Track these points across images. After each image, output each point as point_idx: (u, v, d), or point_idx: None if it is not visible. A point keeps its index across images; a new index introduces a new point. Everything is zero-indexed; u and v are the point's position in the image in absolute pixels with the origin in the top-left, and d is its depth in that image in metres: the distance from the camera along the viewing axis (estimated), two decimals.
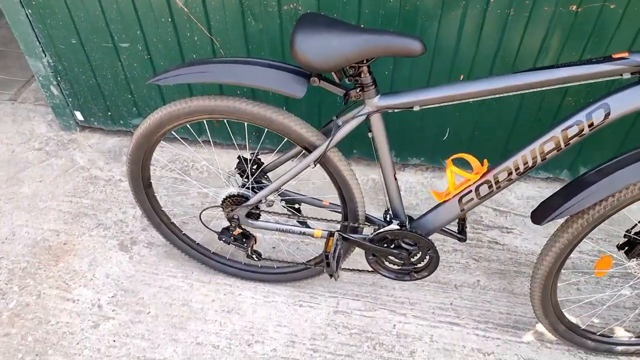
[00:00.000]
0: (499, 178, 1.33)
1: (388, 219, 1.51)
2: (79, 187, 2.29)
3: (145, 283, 1.90)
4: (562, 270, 1.42)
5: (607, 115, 1.16)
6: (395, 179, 1.44)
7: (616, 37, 1.69)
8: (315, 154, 1.37)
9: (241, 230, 1.65)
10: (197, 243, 1.87)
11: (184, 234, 1.86)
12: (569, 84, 1.15)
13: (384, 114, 1.30)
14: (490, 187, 1.35)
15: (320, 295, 1.84)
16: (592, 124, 1.18)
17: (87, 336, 1.73)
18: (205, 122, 1.47)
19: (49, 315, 1.79)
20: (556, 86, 1.15)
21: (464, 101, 1.22)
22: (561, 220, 1.32)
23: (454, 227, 1.54)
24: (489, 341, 1.69)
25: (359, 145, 2.24)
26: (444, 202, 1.44)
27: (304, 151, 1.44)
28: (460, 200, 1.41)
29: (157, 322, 1.76)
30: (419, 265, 1.55)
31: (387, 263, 1.58)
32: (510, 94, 1.18)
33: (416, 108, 1.27)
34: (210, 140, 2.40)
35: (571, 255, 1.40)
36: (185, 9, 1.91)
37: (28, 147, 2.50)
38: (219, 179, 2.29)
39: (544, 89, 1.16)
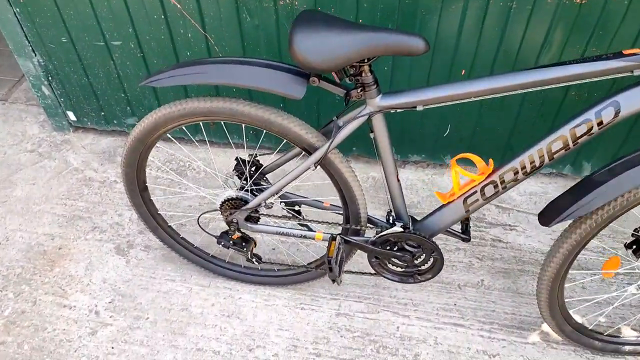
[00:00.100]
0: (505, 178, 1.29)
1: (391, 220, 1.48)
2: (73, 190, 2.25)
3: (143, 287, 1.86)
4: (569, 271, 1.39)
5: (617, 113, 1.12)
6: (398, 180, 1.40)
7: (621, 30, 1.65)
8: (316, 155, 1.33)
9: (240, 234, 1.61)
10: (196, 246, 1.83)
11: (182, 237, 1.82)
12: (579, 81, 1.10)
13: (386, 114, 1.26)
14: (495, 187, 1.31)
15: (321, 297, 1.80)
16: (601, 123, 1.14)
17: (85, 343, 1.69)
18: (201, 123, 1.42)
19: (45, 323, 1.75)
20: (566, 83, 1.11)
21: (470, 100, 1.18)
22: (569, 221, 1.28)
23: (457, 226, 1.50)
24: (494, 342, 1.66)
25: (358, 143, 2.20)
26: (449, 203, 1.40)
27: (303, 152, 1.40)
28: (465, 201, 1.37)
29: (156, 328, 1.73)
30: (423, 267, 1.52)
31: (390, 265, 1.55)
32: (519, 92, 1.14)
33: (419, 108, 1.23)
34: (207, 139, 2.35)
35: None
36: (178, 5, 1.85)
37: (20, 149, 2.45)
38: (216, 180, 2.24)
39: (553, 86, 1.12)
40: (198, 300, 1.81)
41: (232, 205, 1.54)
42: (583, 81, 1.10)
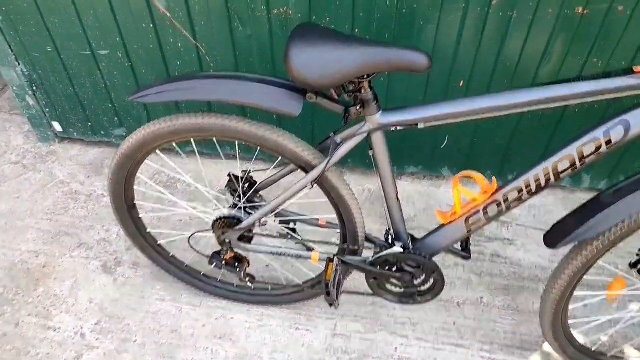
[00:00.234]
0: (509, 198, 1.24)
1: (389, 240, 1.42)
2: (59, 204, 2.17)
3: (131, 308, 1.78)
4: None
5: (626, 132, 1.07)
6: (398, 199, 1.35)
7: (623, 41, 1.62)
8: (313, 174, 1.27)
9: (233, 254, 1.54)
10: (187, 265, 1.76)
11: (172, 255, 1.75)
12: (588, 100, 1.06)
13: (386, 131, 1.20)
14: (499, 207, 1.26)
15: (317, 317, 1.74)
16: (610, 142, 1.09)
17: None
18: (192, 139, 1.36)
19: (28, 346, 1.67)
20: (575, 102, 1.07)
21: (476, 118, 1.13)
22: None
23: (457, 244, 1.45)
24: None
25: (353, 154, 2.11)
26: (450, 222, 1.35)
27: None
28: (467, 220, 1.32)
29: (145, 351, 1.66)
30: (423, 288, 1.47)
31: (389, 286, 1.49)
32: (529, 109, 1.09)
33: (421, 125, 1.17)
34: (196, 151, 2.28)
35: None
36: (168, 14, 1.79)
37: (4, 160, 2.37)
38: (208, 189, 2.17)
39: (562, 104, 1.07)
40: (189, 321, 1.75)
41: (224, 224, 1.48)
42: (592, 99, 1.06)
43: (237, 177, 1.49)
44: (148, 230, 1.67)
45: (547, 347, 1.64)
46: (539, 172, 1.18)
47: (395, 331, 1.70)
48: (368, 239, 1.49)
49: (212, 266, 1.53)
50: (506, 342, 1.66)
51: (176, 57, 1.92)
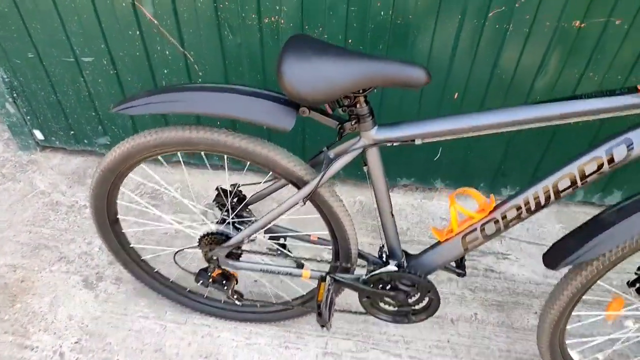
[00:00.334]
0: (507, 216, 1.20)
1: (383, 257, 1.38)
2: (39, 215, 2.09)
3: (113, 326, 1.71)
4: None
5: (629, 151, 1.04)
6: (392, 215, 1.30)
7: (620, 55, 1.60)
8: (305, 190, 1.22)
9: (221, 271, 1.48)
10: (172, 281, 1.70)
11: (156, 271, 1.68)
12: (592, 117, 1.03)
13: (382, 146, 1.16)
14: (497, 225, 1.22)
15: (307, 334, 1.69)
16: (612, 160, 1.06)
17: None
18: (179, 153, 1.31)
19: None
20: (578, 119, 1.03)
21: (476, 135, 1.09)
22: None
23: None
24: None
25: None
26: (446, 240, 1.30)
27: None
28: (463, 238, 1.28)
29: None
30: (417, 307, 1.42)
31: (382, 304, 1.44)
32: (529, 127, 1.06)
33: (418, 142, 1.13)
34: (182, 162, 2.22)
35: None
36: (155, 21, 1.73)
37: None
38: (196, 202, 2.11)
39: (565, 121, 1.04)
40: (173, 339, 1.68)
41: (212, 240, 1.42)
42: (595, 117, 1.02)
43: (225, 191, 1.44)
44: (131, 245, 1.61)
45: None
46: (539, 190, 1.15)
47: (388, 349, 1.65)
48: (361, 255, 1.44)
49: (199, 284, 1.47)
50: None
51: (163, 65, 1.86)
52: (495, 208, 1.22)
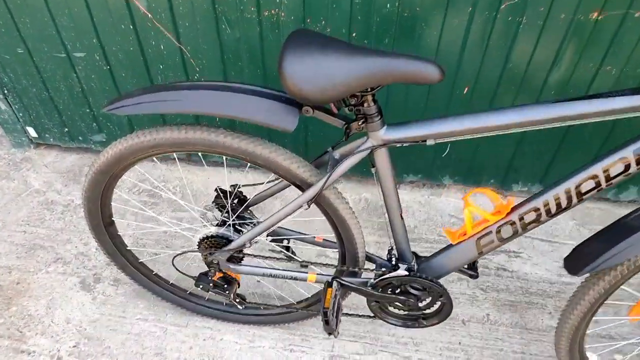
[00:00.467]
0: (525, 219, 1.13)
1: (392, 260, 1.31)
2: (34, 214, 2.02)
3: (112, 329, 1.66)
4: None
5: None
6: (402, 217, 1.24)
7: (638, 48, 1.51)
8: (310, 193, 1.16)
9: (222, 274, 1.42)
10: (171, 283, 1.64)
11: (155, 274, 1.62)
12: (616, 117, 0.95)
13: (391, 147, 1.09)
14: (514, 228, 1.16)
15: (313, 337, 1.63)
16: None
17: None
18: (175, 154, 1.24)
19: None
20: (602, 119, 0.96)
21: (490, 134, 1.02)
22: None
23: None
24: None
25: None
26: (459, 243, 1.24)
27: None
28: (478, 241, 1.21)
29: None
30: (429, 311, 1.36)
31: (391, 308, 1.38)
32: (549, 126, 0.98)
33: (430, 142, 1.06)
34: (178, 162, 2.15)
35: None
36: (149, 15, 1.65)
37: None
38: (196, 201, 2.05)
39: (587, 121, 0.96)
40: (174, 342, 1.62)
41: (212, 243, 1.36)
42: (621, 117, 0.95)
43: (225, 192, 1.37)
44: (128, 247, 1.54)
45: None
46: (560, 192, 1.08)
47: (397, 352, 1.59)
48: (369, 258, 1.38)
49: (199, 288, 1.40)
50: None
51: (158, 61, 1.79)
52: (513, 210, 1.15)
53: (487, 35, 1.54)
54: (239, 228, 1.38)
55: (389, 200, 1.19)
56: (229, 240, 1.34)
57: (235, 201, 1.39)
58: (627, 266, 1.09)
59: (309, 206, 1.18)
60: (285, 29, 1.61)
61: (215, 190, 1.39)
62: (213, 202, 1.41)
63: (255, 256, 1.37)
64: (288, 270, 1.37)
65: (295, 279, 1.37)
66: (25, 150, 2.29)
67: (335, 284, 1.27)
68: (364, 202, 2.06)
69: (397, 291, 1.32)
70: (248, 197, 1.40)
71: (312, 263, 1.36)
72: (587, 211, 1.98)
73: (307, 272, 1.35)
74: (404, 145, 1.08)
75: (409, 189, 2.10)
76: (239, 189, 1.39)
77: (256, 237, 1.29)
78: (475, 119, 1.01)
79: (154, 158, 1.24)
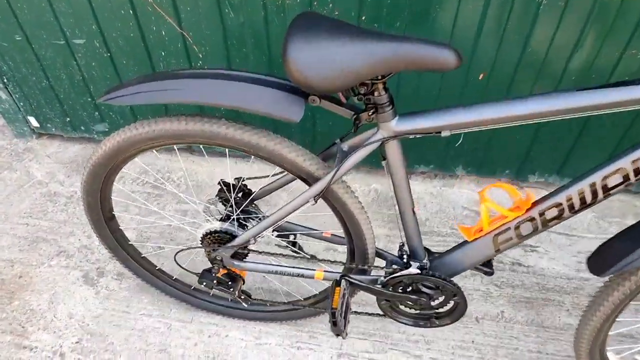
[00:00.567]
0: (546, 215, 1.06)
1: (404, 257, 1.25)
2: (37, 206, 1.98)
3: (115, 324, 1.62)
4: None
5: None
6: (414, 213, 1.17)
7: None
8: (317, 187, 1.09)
9: (226, 271, 1.37)
10: (175, 278, 1.59)
11: (158, 269, 1.58)
12: None
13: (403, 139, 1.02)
14: (534, 224, 1.08)
15: (321, 334, 1.58)
16: None
17: None
18: (175, 147, 1.19)
19: None
20: (633, 107, 0.88)
21: (510, 125, 0.94)
22: None
23: None
24: None
25: None
26: (475, 239, 1.17)
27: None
28: (495, 238, 1.14)
29: None
30: (441, 310, 1.30)
31: (402, 307, 1.32)
32: (575, 116, 0.91)
33: (445, 133, 0.99)
34: (177, 151, 2.10)
35: None
36: None
37: None
38: (200, 192, 2.00)
39: (617, 110, 0.89)
40: (179, 339, 1.58)
41: (215, 239, 1.30)
42: None
43: (228, 185, 1.31)
44: (130, 242, 1.49)
45: None
46: (585, 186, 1.00)
47: (408, 350, 1.54)
48: (379, 254, 1.32)
49: (203, 285, 1.35)
50: None
51: (160, 47, 1.72)
52: (533, 205, 1.08)
53: (505, 17, 1.46)
54: (244, 223, 1.32)
55: (401, 195, 1.13)
56: (233, 236, 1.29)
57: (240, 195, 1.33)
58: None
59: (316, 201, 1.11)
60: (291, 13, 1.54)
61: (219, 183, 1.33)
62: (216, 195, 1.36)
63: (260, 253, 1.31)
64: (294, 268, 1.31)
65: (302, 276, 1.31)
66: (27, 140, 2.24)
67: (343, 282, 1.21)
68: (374, 193, 1.99)
69: (408, 290, 1.26)
70: (253, 191, 1.34)
71: (319, 260, 1.30)
72: (607, 203, 1.90)
73: (314, 270, 1.29)
74: (417, 136, 1.01)
75: (420, 179, 2.03)
76: (243, 182, 1.33)
77: (261, 233, 1.23)
78: (495, 108, 0.93)
79: (154, 150, 1.18)
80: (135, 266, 1.54)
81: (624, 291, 1.08)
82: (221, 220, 1.31)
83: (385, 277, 1.25)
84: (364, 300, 1.63)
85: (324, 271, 1.29)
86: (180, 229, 1.87)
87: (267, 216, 1.21)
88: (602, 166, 0.98)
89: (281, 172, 1.24)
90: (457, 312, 1.28)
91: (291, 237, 1.39)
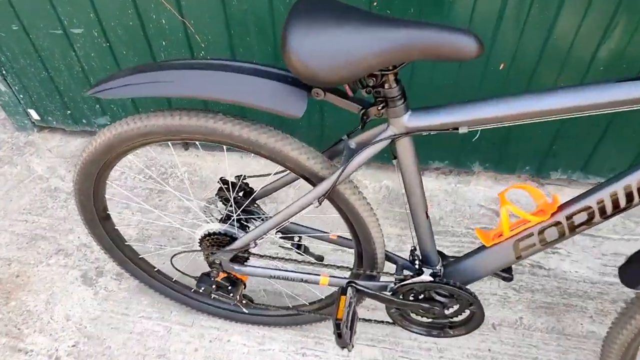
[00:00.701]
0: (574, 220, 0.96)
1: (417, 263, 1.15)
2: (36, 202, 1.92)
3: (114, 327, 1.55)
4: None
5: None
6: (427, 216, 1.07)
7: None
8: (321, 188, 1.01)
9: (226, 274, 1.29)
10: (175, 280, 1.52)
11: (157, 270, 1.50)
12: None
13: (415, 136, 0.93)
14: (561, 230, 0.98)
15: (327, 340, 1.50)
16: None
17: None
18: (170, 143, 1.11)
19: None
20: None
21: (538, 120, 0.84)
22: None
23: None
24: None
25: None
26: (494, 245, 1.07)
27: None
28: (516, 244, 1.04)
29: None
30: (456, 319, 1.21)
31: (414, 316, 1.23)
32: (614, 110, 0.81)
33: (463, 130, 0.89)
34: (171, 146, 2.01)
35: None
36: None
37: None
38: (205, 189, 1.92)
39: None
40: (179, 343, 1.51)
41: (214, 241, 1.22)
42: None
43: (228, 184, 1.23)
44: (127, 242, 1.42)
45: None
46: (619, 189, 0.90)
47: (419, 358, 1.45)
48: (388, 257, 1.23)
49: (201, 290, 1.27)
50: None
51: (160, 36, 1.64)
52: (559, 209, 0.98)
53: (528, 4, 1.35)
54: (245, 224, 1.24)
55: (413, 197, 1.03)
56: (233, 238, 1.21)
57: (241, 194, 1.25)
58: None
59: (320, 203, 1.02)
60: None
61: (219, 181, 1.25)
62: (216, 194, 1.27)
63: (261, 256, 1.23)
64: (298, 272, 1.23)
65: (306, 281, 1.23)
66: (28, 133, 2.18)
67: (350, 290, 1.12)
68: (385, 190, 1.90)
69: (420, 297, 1.17)
70: (255, 189, 1.25)
71: (325, 266, 1.22)
72: None
73: (319, 275, 1.21)
74: (431, 133, 0.91)
75: (434, 176, 1.93)
76: (245, 180, 1.25)
77: (262, 236, 1.15)
78: (520, 101, 0.84)
79: (149, 146, 1.11)
80: (132, 267, 1.47)
81: None
82: (221, 221, 1.23)
83: (395, 284, 1.16)
84: (374, 305, 1.54)
85: (330, 276, 1.21)
86: (182, 228, 1.80)
87: (270, 217, 1.12)
88: (638, 167, 0.88)
89: (284, 171, 1.15)
90: (474, 322, 1.19)
91: (296, 239, 1.30)
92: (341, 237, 1.26)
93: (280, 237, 1.29)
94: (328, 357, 1.46)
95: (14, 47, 1.80)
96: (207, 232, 1.22)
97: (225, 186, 1.23)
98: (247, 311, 1.38)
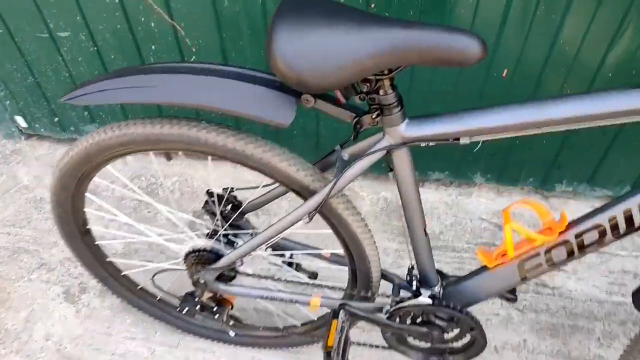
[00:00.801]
0: (584, 239, 0.89)
1: (414, 284, 1.08)
2: (21, 214, 1.85)
3: (95, 348, 1.47)
4: None
5: None
6: (426, 233, 1.00)
7: None
8: (312, 203, 0.93)
9: (211, 294, 1.21)
10: (159, 299, 1.44)
11: (140, 288, 1.42)
12: None
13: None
14: (570, 250, 0.91)
15: None
16: None
17: None
18: (152, 153, 1.04)
19: None
20: None
21: (545, 131, 0.77)
22: None
23: None
24: None
25: None
26: (497, 266, 1.00)
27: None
28: (521, 265, 0.97)
29: None
30: (457, 344, 1.13)
31: (411, 340, 1.15)
32: (625, 121, 0.74)
33: (464, 140, 0.82)
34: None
35: None
36: None
37: None
38: (195, 200, 1.85)
39: None
40: None
41: (200, 259, 1.14)
42: None
43: (214, 196, 1.15)
44: (109, 259, 1.34)
45: None
46: (634, 206, 0.83)
47: None
48: (385, 276, 1.15)
49: (184, 313, 1.19)
50: None
51: (150, 41, 1.58)
52: (568, 228, 0.90)
53: (533, 6, 1.29)
54: (232, 238, 1.17)
55: (410, 212, 0.96)
56: (218, 255, 1.13)
57: (229, 207, 1.17)
58: None
59: (311, 219, 0.95)
60: None
61: (206, 193, 1.17)
62: (202, 207, 1.20)
63: (249, 275, 1.15)
64: (287, 293, 1.15)
65: (296, 302, 1.15)
66: (15, 141, 2.11)
67: (342, 314, 1.04)
68: (383, 202, 1.82)
69: (418, 321, 1.09)
70: (243, 202, 1.18)
71: (317, 285, 1.14)
72: None
73: (310, 295, 1.13)
74: (430, 145, 0.84)
75: (433, 187, 1.85)
76: (232, 193, 1.17)
77: (249, 253, 1.07)
78: (526, 110, 0.77)
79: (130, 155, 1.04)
80: (115, 285, 1.39)
81: None
82: (207, 236, 1.16)
83: (391, 306, 1.08)
84: (369, 326, 1.46)
85: (322, 297, 1.13)
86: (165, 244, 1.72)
87: (258, 232, 1.05)
88: None
89: (274, 183, 1.08)
90: (475, 348, 1.11)
91: (287, 255, 1.23)
92: (335, 254, 1.19)
93: (270, 254, 1.22)
94: None
95: None
96: (191, 249, 1.14)
97: (212, 199, 1.15)
98: (232, 334, 1.29)
